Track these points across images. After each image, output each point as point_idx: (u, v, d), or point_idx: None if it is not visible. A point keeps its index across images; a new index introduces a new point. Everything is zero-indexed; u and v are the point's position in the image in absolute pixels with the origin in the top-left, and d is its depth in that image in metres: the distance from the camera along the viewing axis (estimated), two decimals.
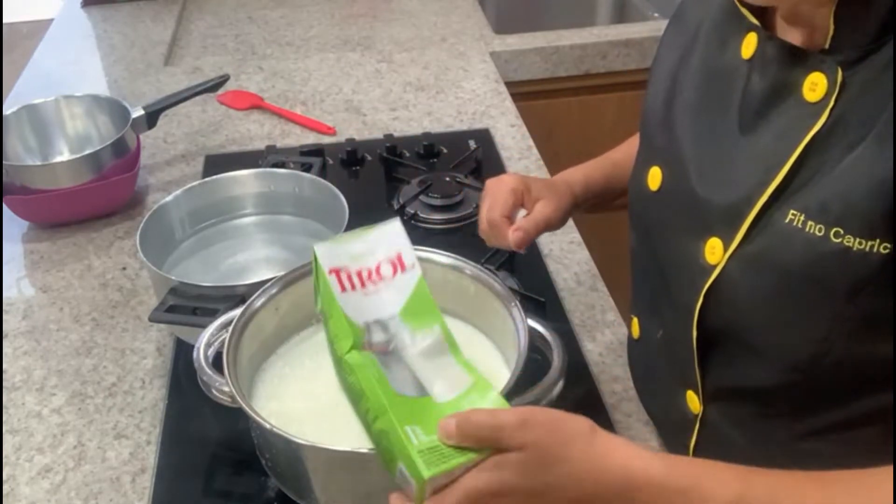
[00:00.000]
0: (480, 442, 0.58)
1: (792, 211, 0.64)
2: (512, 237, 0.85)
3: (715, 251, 0.70)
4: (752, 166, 0.68)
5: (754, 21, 0.70)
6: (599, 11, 2.16)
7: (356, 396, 0.68)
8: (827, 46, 0.64)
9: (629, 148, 0.95)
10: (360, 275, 0.71)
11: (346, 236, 0.73)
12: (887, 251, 0.61)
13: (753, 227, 0.67)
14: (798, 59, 0.66)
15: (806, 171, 0.64)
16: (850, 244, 0.61)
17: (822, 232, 0.63)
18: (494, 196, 0.88)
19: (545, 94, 1.70)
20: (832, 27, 0.63)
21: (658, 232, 0.79)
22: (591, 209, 0.97)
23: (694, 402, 0.77)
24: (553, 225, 0.89)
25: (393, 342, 0.69)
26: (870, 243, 0.61)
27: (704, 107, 0.75)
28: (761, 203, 0.66)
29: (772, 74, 0.68)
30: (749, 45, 0.70)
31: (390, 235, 0.73)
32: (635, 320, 0.87)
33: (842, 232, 0.62)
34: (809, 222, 0.63)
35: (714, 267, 0.70)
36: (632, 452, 0.59)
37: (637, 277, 0.87)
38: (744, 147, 0.69)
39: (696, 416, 0.77)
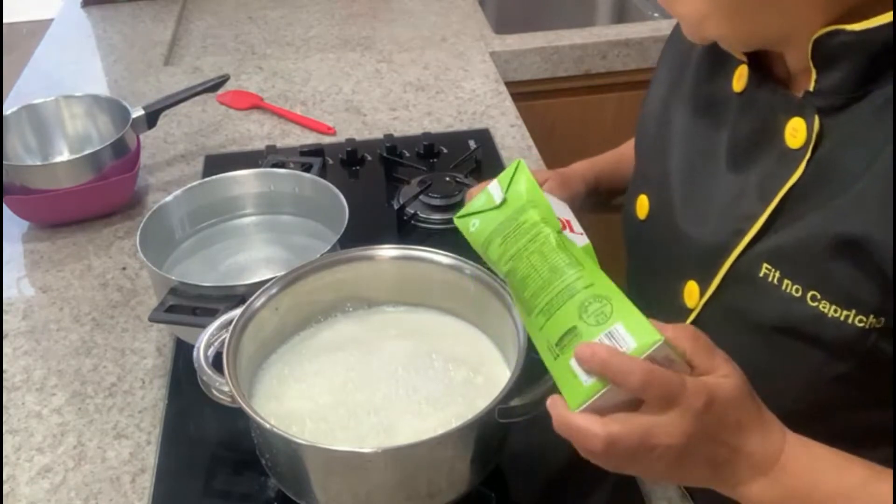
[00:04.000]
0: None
1: (766, 265, 0.61)
2: None
3: (692, 295, 0.68)
4: (733, 210, 0.64)
5: (741, 58, 0.66)
6: (599, 11, 2.16)
7: (562, 267, 0.64)
8: (812, 89, 0.59)
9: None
10: None
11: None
12: (863, 324, 0.57)
13: (728, 276, 0.64)
14: (783, 101, 0.62)
15: (782, 223, 0.61)
16: (826, 310, 0.58)
17: (800, 293, 0.59)
18: None
19: (545, 94, 1.70)
20: (814, 70, 0.59)
21: (645, 262, 0.77)
22: (596, 206, 0.96)
23: None
24: None
25: None
26: (845, 313, 0.57)
27: (695, 137, 0.71)
28: (737, 253, 0.63)
29: (759, 114, 0.64)
30: (741, 78, 0.67)
31: (560, 206, 0.72)
32: None
33: (818, 296, 0.58)
34: (786, 280, 0.60)
35: (691, 311, 0.68)
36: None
37: (630, 294, 0.85)
38: (728, 186, 0.66)
39: None
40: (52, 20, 1.93)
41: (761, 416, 0.56)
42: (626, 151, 0.95)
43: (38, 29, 2.31)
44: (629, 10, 2.06)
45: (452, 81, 1.57)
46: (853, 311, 0.57)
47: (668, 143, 0.74)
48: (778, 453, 0.56)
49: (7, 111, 1.28)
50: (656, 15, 1.91)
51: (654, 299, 0.73)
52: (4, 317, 1.07)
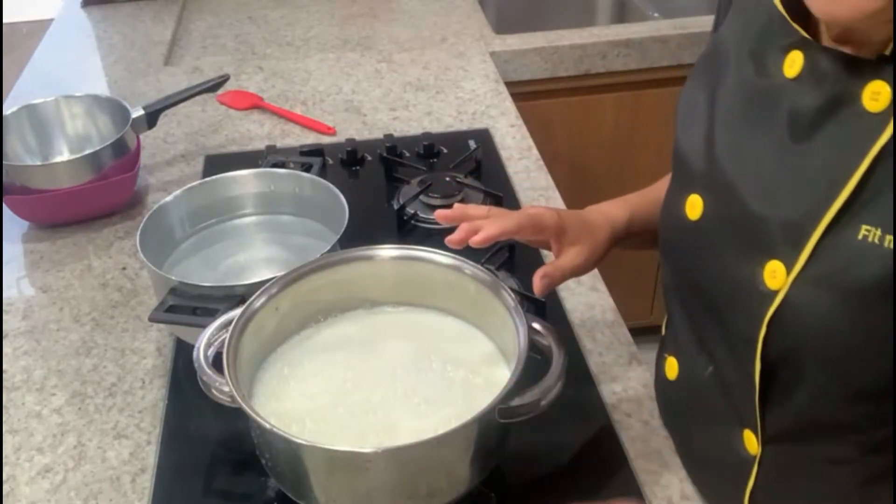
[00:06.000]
0: None
1: (865, 227, 0.61)
2: (538, 284, 0.81)
3: (776, 275, 0.66)
4: (812, 181, 0.64)
5: (806, 35, 0.66)
6: (599, 11, 2.16)
7: None
8: (888, 53, 0.60)
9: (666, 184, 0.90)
10: None
11: None
12: None
13: (819, 246, 0.63)
14: (855, 69, 0.62)
15: (874, 183, 0.61)
16: None
17: None
18: (528, 217, 0.82)
19: (545, 94, 1.70)
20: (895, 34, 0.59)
21: (701, 262, 0.74)
22: (629, 247, 0.92)
23: (752, 442, 0.73)
24: (580, 274, 0.85)
25: None
26: None
27: (748, 127, 0.71)
28: (828, 220, 0.62)
29: (827, 87, 0.64)
30: (794, 63, 0.66)
31: None
32: (672, 360, 0.83)
33: None
34: (888, 237, 0.60)
35: (776, 293, 0.65)
36: None
37: (674, 314, 0.83)
38: (800, 160, 0.65)
39: (755, 457, 0.73)
40: (52, 20, 1.93)
41: None
42: (661, 188, 0.89)
43: (38, 29, 2.30)
44: (629, 10, 2.06)
45: (452, 81, 1.57)
46: None
47: (718, 140, 0.73)
48: None
49: (7, 111, 1.28)
50: (656, 15, 1.91)
51: (721, 295, 0.72)
52: (4, 317, 1.07)
